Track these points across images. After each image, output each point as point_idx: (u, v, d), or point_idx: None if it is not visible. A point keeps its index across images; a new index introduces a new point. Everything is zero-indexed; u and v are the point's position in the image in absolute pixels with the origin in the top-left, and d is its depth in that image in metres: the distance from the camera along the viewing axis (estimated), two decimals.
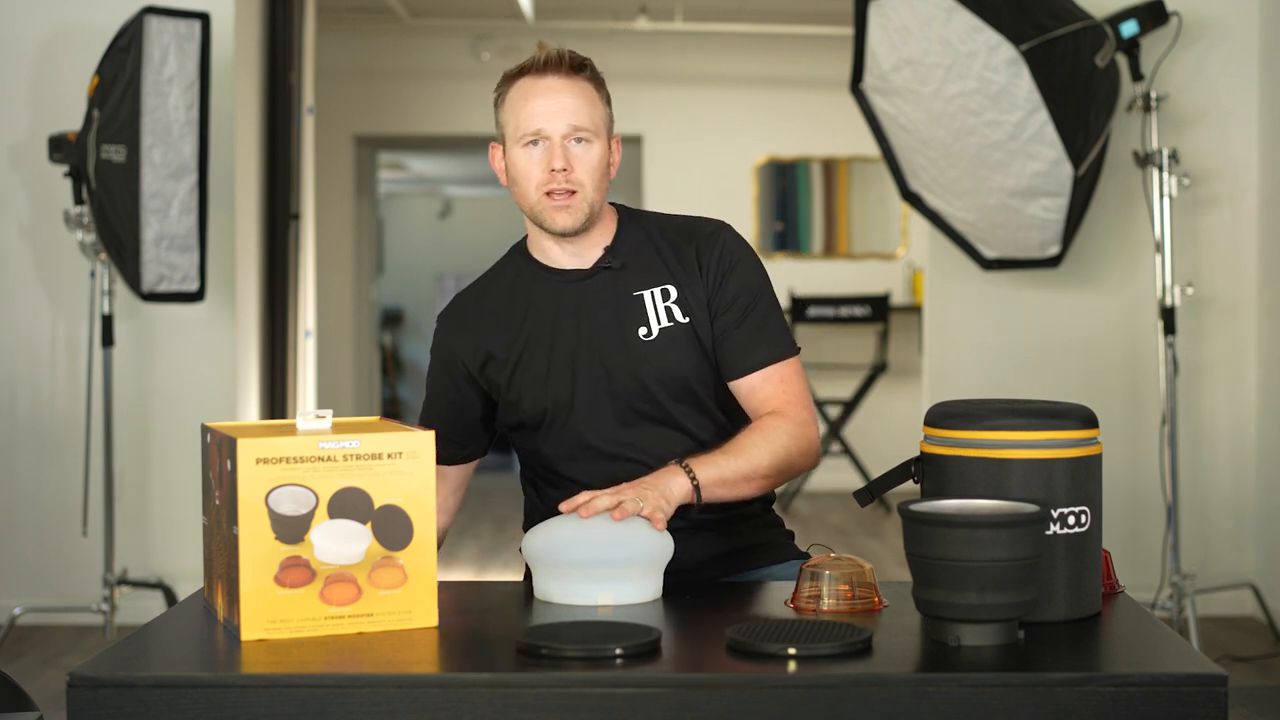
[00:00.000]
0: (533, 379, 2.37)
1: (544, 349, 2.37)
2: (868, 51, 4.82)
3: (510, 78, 2.36)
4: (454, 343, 2.44)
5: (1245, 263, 5.23)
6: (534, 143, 2.32)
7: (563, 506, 2.15)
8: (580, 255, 2.40)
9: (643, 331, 2.36)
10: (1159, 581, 4.88)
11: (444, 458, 2.38)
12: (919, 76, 4.71)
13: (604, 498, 2.12)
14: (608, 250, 2.40)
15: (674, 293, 2.37)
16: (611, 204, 2.45)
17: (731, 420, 2.40)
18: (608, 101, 2.38)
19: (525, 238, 2.46)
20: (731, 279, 2.38)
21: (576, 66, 2.33)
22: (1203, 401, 5.23)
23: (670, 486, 2.20)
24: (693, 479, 2.23)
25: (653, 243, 2.41)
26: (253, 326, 5.75)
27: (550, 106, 2.31)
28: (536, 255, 2.43)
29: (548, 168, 2.31)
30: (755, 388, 2.37)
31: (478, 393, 2.43)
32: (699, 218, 2.46)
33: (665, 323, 2.36)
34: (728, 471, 2.27)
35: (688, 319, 2.36)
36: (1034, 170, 4.71)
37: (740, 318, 2.37)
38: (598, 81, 2.36)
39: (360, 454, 1.88)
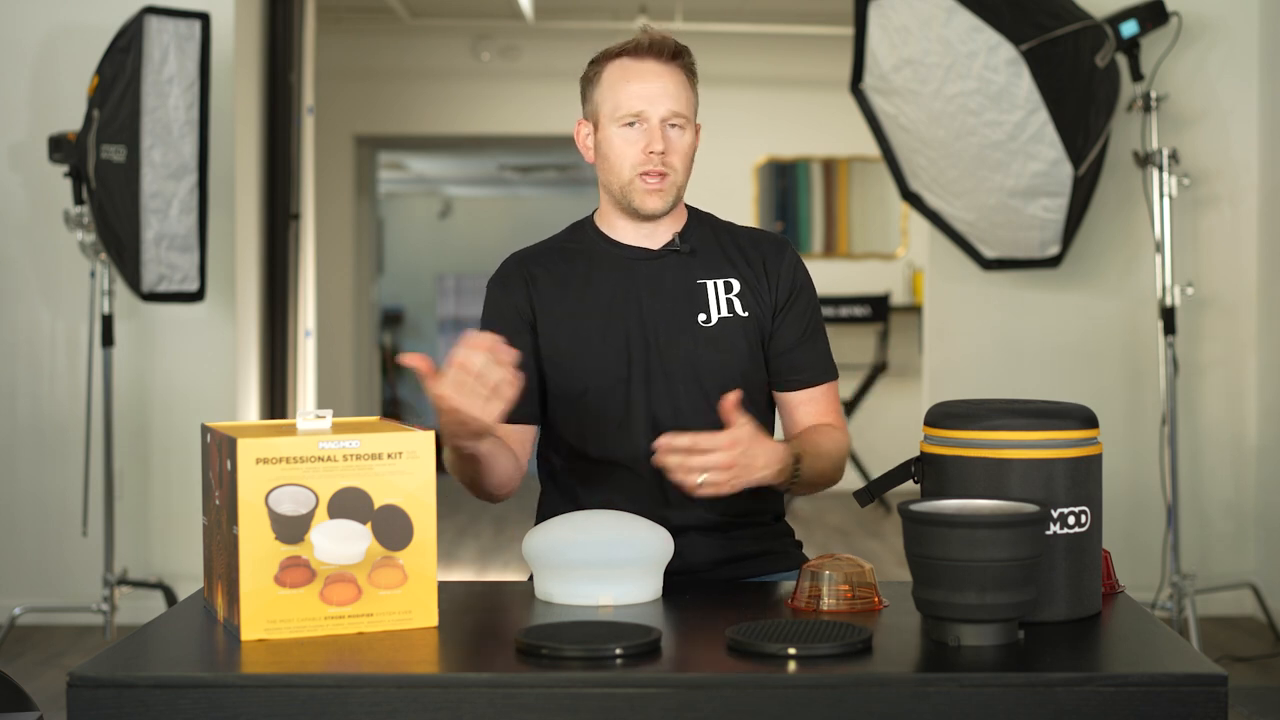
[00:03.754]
0: (585, 346, 2.38)
1: (600, 318, 2.39)
2: (868, 51, 4.82)
3: (606, 57, 2.40)
4: (510, 295, 2.43)
5: (1245, 263, 5.23)
6: (632, 124, 2.35)
7: (660, 443, 2.13)
8: (651, 236, 2.43)
9: (702, 318, 2.39)
10: (1159, 581, 4.88)
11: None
12: (919, 76, 4.71)
13: (700, 458, 2.12)
14: (677, 236, 2.43)
15: (737, 286, 2.42)
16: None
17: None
18: (696, 90, 2.42)
19: (590, 214, 2.49)
20: (802, 296, 2.45)
21: (676, 53, 2.38)
22: (1203, 401, 5.23)
23: (764, 472, 2.19)
24: (795, 473, 2.26)
25: (719, 240, 2.46)
26: (253, 326, 5.75)
27: (652, 90, 2.35)
28: (605, 229, 2.46)
29: (645, 149, 2.34)
30: (811, 399, 2.44)
31: (534, 343, 2.41)
32: (761, 229, 2.53)
33: (725, 313, 2.40)
34: (811, 472, 2.31)
35: (748, 314, 2.41)
36: (1034, 170, 4.70)
37: (809, 334, 2.44)
38: (691, 70, 2.41)
39: (360, 454, 1.88)
